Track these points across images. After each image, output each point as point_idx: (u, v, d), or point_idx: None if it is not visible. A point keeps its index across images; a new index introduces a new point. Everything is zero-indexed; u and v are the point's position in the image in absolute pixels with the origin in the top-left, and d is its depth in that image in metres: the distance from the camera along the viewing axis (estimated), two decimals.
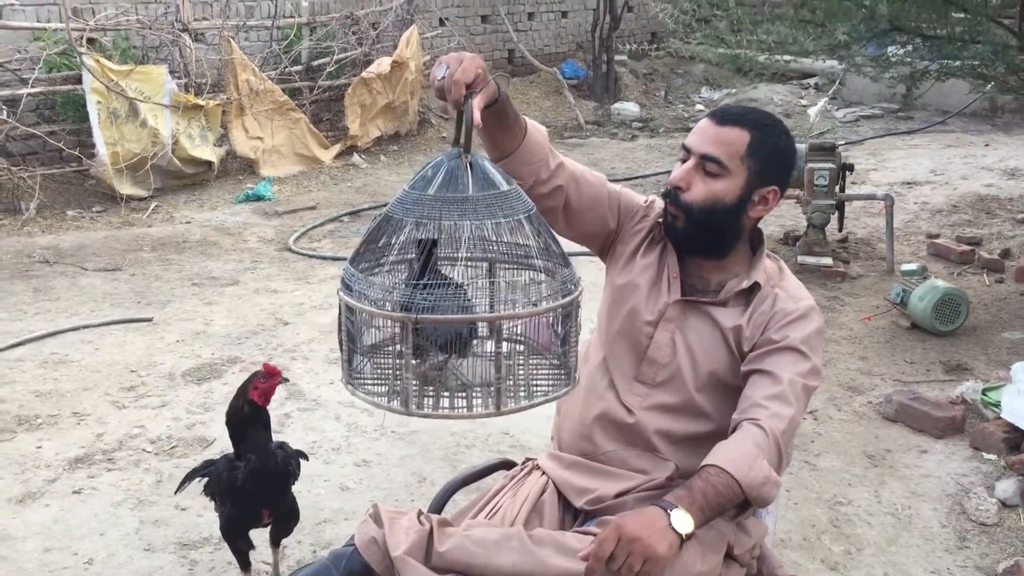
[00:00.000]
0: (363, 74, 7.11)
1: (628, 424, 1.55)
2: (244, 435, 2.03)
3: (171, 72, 6.13)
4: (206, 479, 2.15)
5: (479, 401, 1.18)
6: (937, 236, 5.00)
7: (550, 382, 1.24)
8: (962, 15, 4.34)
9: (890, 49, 4.92)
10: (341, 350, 1.20)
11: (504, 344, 1.18)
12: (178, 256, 5.04)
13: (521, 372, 1.22)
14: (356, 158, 7.20)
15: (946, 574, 2.37)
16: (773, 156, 1.52)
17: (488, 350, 1.18)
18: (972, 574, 2.37)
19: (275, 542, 2.21)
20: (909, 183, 6.26)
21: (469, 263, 1.18)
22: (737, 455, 1.36)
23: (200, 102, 6.19)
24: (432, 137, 8.01)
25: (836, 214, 4.66)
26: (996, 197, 5.78)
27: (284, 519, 2.16)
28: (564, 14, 10.07)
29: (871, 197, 5.10)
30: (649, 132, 8.58)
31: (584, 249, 1.66)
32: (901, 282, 3.96)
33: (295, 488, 2.16)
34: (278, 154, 6.80)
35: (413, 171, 7.18)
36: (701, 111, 9.32)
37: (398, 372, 1.16)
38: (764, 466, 1.36)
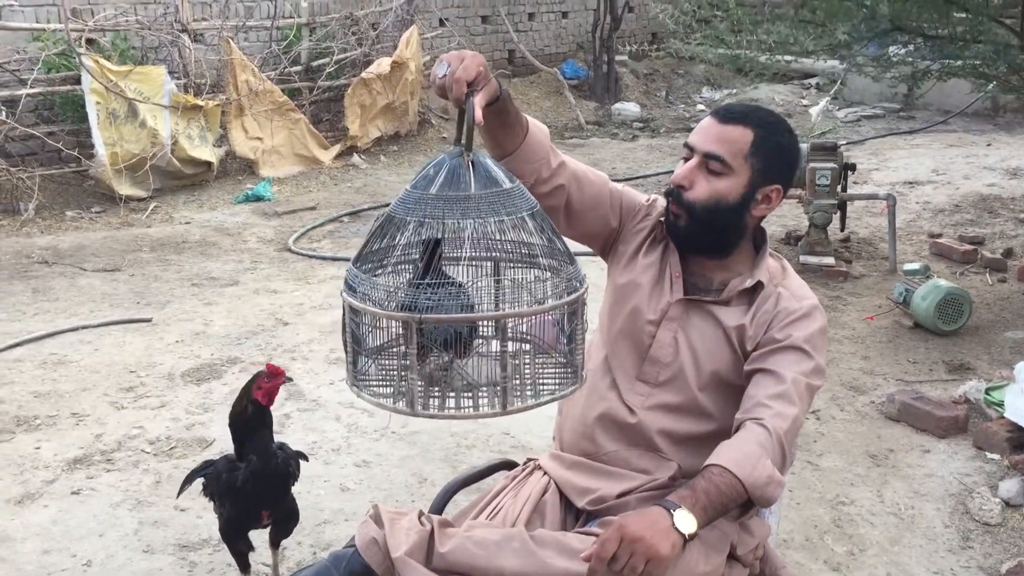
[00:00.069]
0: (363, 74, 7.11)
1: (630, 424, 1.54)
2: (247, 436, 2.02)
3: (170, 73, 6.12)
4: (204, 480, 2.14)
5: (485, 401, 1.17)
6: (939, 236, 5.00)
7: (557, 380, 1.23)
8: (963, 15, 4.33)
9: (891, 49, 4.91)
10: (346, 352, 1.19)
11: (510, 343, 1.16)
12: (177, 256, 5.03)
13: (527, 371, 1.21)
14: (356, 158, 7.19)
15: (949, 574, 2.36)
16: (776, 154, 1.51)
17: (494, 349, 1.16)
18: (975, 574, 2.36)
19: (275, 543, 2.20)
20: (911, 183, 6.26)
21: (473, 262, 1.17)
22: (740, 455, 1.35)
23: (199, 102, 6.18)
24: (432, 137, 8.00)
25: (838, 214, 4.65)
26: (998, 196, 5.78)
27: (284, 520, 2.15)
28: (564, 14, 10.07)
29: (873, 197, 5.09)
30: (650, 132, 8.57)
31: (586, 249, 1.65)
32: (903, 282, 3.95)
33: (295, 489, 2.15)
34: (278, 154, 6.79)
35: (413, 171, 7.18)
36: (702, 111, 9.32)
37: (403, 373, 1.14)
38: (768, 466, 1.35)
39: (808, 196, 4.55)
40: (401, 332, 1.13)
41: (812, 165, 4.48)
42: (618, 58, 9.52)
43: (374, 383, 1.21)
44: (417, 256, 1.14)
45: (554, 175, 1.52)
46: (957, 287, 3.84)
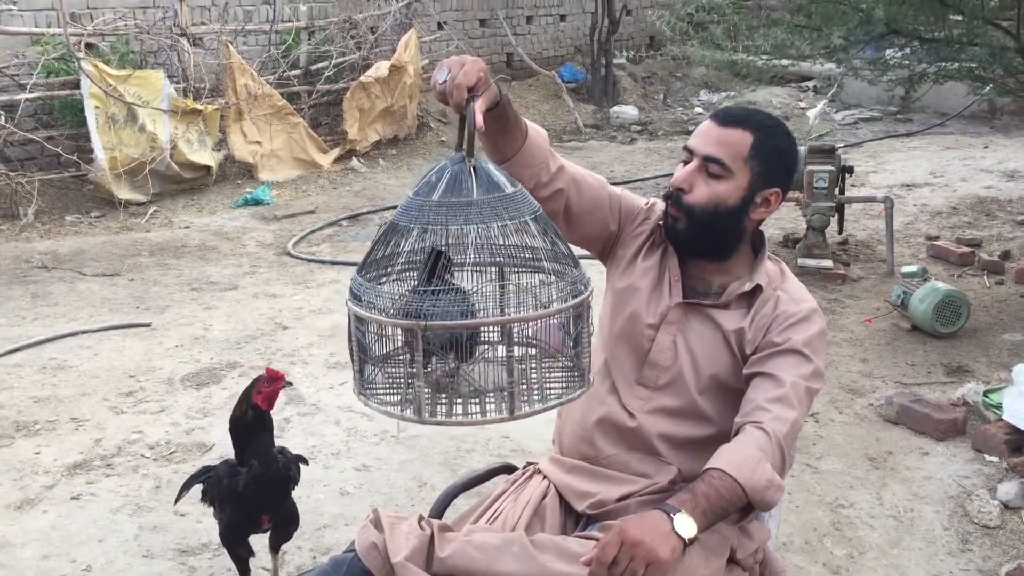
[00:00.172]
0: (361, 78, 7.12)
1: (630, 428, 1.54)
2: (248, 440, 2.02)
3: (169, 77, 6.12)
4: (203, 485, 2.14)
5: (492, 406, 1.16)
6: (937, 238, 5.00)
7: (563, 384, 1.23)
8: (959, 18, 4.34)
9: (888, 52, 4.92)
10: (352, 361, 1.19)
11: (516, 348, 1.16)
12: (177, 261, 5.03)
13: (534, 375, 1.21)
14: (355, 162, 7.19)
15: None
16: (775, 158, 1.52)
17: (500, 354, 1.16)
18: None
19: (275, 548, 2.20)
20: (908, 185, 6.27)
21: (477, 267, 1.17)
22: (740, 458, 1.35)
23: (198, 107, 6.18)
24: (431, 141, 8.01)
25: (836, 216, 4.66)
26: (996, 199, 5.79)
27: (284, 525, 2.15)
28: (562, 18, 10.09)
29: (871, 199, 5.10)
30: (648, 135, 8.58)
31: (585, 252, 1.65)
32: (901, 284, 3.96)
33: (295, 493, 2.15)
34: (277, 158, 6.79)
35: (412, 175, 7.19)
36: (700, 114, 9.33)
37: (410, 380, 1.14)
38: (767, 469, 1.35)
39: (806, 199, 4.55)
40: (405, 339, 1.13)
41: (810, 168, 4.48)
42: (616, 61, 9.53)
43: (381, 391, 1.21)
44: (421, 263, 1.14)
45: (553, 179, 1.53)
46: (955, 289, 3.84)
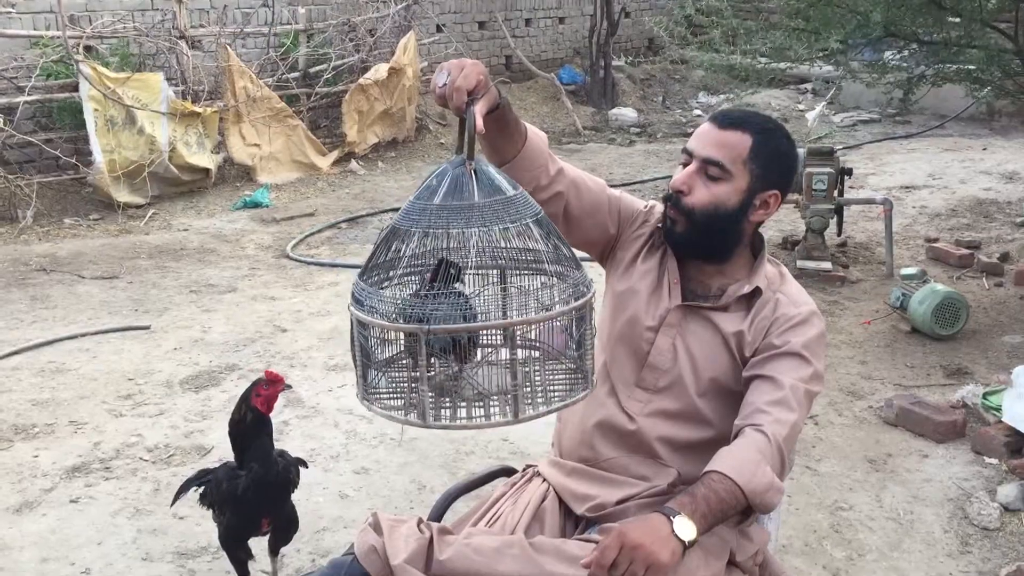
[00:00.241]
0: (360, 81, 7.12)
1: (629, 431, 1.54)
2: (247, 443, 2.01)
3: (168, 79, 6.12)
4: (202, 488, 2.14)
5: (496, 410, 1.16)
6: (936, 240, 5.01)
7: (567, 386, 1.22)
8: (957, 20, 4.35)
9: (886, 54, 4.93)
10: (355, 366, 1.19)
11: (519, 350, 1.16)
12: (175, 263, 5.03)
13: (537, 378, 1.21)
14: (354, 165, 7.20)
15: None
16: (775, 160, 1.52)
17: (503, 357, 1.16)
18: None
19: (274, 551, 2.19)
20: (907, 187, 6.27)
21: (480, 270, 1.17)
22: (740, 461, 1.35)
23: (197, 109, 6.18)
24: (430, 143, 8.01)
25: (835, 218, 4.66)
26: (994, 201, 5.79)
27: (284, 528, 2.15)
28: (561, 20, 10.09)
29: (870, 201, 5.10)
30: (647, 137, 8.58)
31: (584, 255, 1.65)
32: (901, 286, 3.96)
33: (294, 496, 2.15)
34: (275, 161, 6.79)
35: (411, 177, 7.17)
36: (699, 116, 9.34)
37: (413, 385, 1.14)
38: (767, 472, 1.35)
39: (805, 201, 4.55)
40: (408, 344, 1.13)
41: (809, 170, 4.48)
42: (615, 63, 9.54)
43: (384, 396, 1.20)
44: (422, 266, 1.14)
45: (553, 182, 1.53)
46: (954, 291, 3.84)
